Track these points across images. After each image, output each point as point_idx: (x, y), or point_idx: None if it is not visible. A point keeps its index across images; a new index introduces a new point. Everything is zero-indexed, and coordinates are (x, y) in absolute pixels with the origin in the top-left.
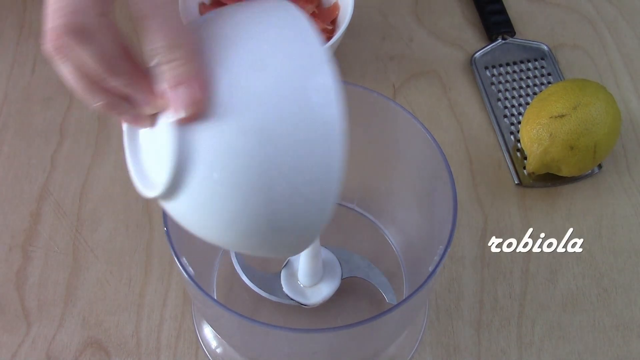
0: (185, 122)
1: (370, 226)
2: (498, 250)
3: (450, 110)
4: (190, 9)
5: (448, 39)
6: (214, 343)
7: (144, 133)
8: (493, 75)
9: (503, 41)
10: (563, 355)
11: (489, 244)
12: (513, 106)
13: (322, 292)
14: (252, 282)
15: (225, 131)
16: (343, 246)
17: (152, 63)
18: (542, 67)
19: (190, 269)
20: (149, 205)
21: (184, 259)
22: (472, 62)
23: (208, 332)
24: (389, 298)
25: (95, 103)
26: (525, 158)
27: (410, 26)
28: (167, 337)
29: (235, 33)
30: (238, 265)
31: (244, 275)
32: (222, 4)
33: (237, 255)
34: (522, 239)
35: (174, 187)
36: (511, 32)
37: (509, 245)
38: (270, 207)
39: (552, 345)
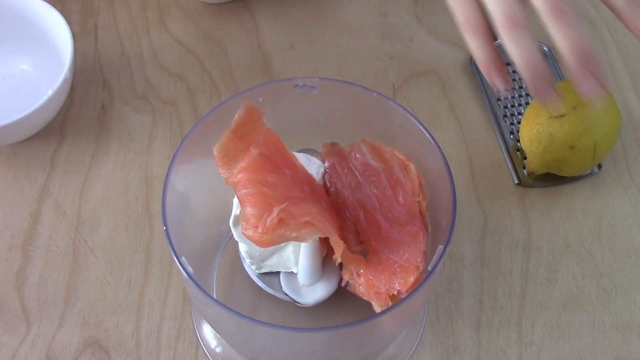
0: None
1: None
2: (498, 249)
3: (450, 111)
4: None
5: (448, 39)
6: (214, 343)
7: None
8: None
9: None
10: (563, 355)
11: (489, 244)
12: (513, 106)
13: (317, 293)
14: (252, 272)
15: None
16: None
17: None
18: None
19: (189, 269)
20: (149, 205)
21: (184, 258)
22: (472, 62)
23: (208, 331)
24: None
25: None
26: (525, 158)
27: (410, 26)
28: (167, 337)
29: None
30: (242, 257)
31: (246, 263)
32: None
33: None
34: (521, 238)
35: None
36: None
37: (509, 244)
38: None
39: (552, 345)
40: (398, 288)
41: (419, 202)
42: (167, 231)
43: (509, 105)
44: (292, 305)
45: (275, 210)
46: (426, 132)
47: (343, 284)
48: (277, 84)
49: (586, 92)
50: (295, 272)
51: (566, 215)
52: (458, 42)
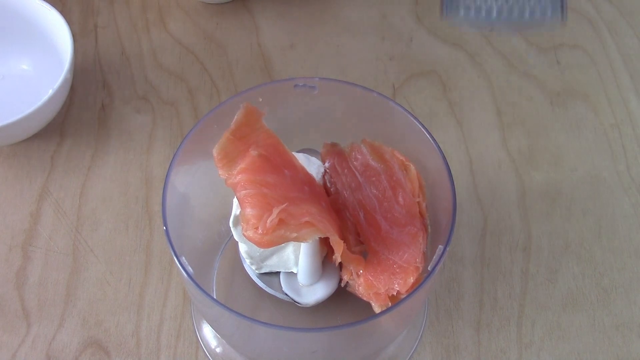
0: None
1: None
2: (498, 249)
3: (450, 110)
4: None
5: (448, 39)
6: (214, 343)
7: None
8: None
9: None
10: (563, 355)
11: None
12: None
13: (317, 293)
14: (252, 272)
15: None
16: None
17: None
18: None
19: (189, 269)
20: (149, 205)
21: (184, 258)
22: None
23: (208, 332)
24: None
25: None
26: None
27: (410, 26)
28: (167, 337)
29: None
30: (242, 257)
31: (246, 263)
32: None
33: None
34: (521, 238)
35: None
36: None
37: (509, 244)
38: None
39: (552, 345)
40: (397, 289)
41: (418, 202)
42: (167, 231)
43: None
44: (292, 305)
45: (275, 211)
46: (426, 132)
47: (343, 284)
48: (277, 84)
49: None
50: (295, 272)
51: (566, 215)
52: (458, 42)
